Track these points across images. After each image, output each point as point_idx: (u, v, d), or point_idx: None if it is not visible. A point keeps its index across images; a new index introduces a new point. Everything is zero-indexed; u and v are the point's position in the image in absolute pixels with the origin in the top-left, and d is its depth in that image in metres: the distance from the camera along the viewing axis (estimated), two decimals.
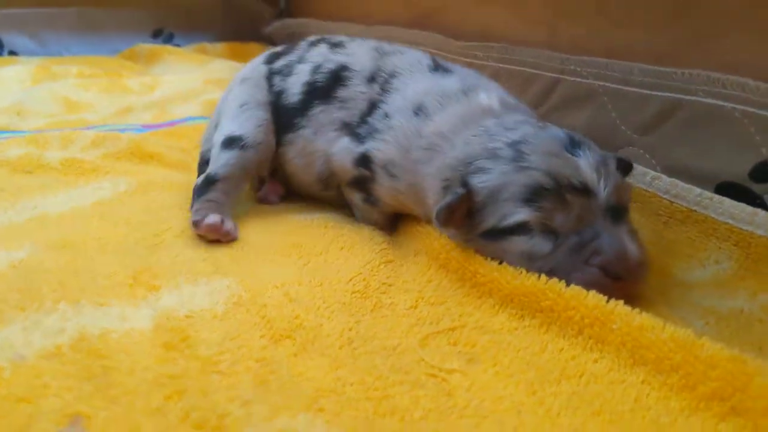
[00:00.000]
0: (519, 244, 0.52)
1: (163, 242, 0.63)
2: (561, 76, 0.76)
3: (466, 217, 0.54)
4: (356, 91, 0.67)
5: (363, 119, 0.66)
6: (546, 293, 0.49)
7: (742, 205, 0.56)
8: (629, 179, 0.64)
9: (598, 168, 0.51)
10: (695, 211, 0.59)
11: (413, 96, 0.64)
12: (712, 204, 0.58)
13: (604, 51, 0.72)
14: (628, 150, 0.69)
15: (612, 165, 0.53)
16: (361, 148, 0.65)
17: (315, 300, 0.52)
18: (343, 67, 0.69)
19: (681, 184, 0.61)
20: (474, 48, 0.92)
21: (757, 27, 0.57)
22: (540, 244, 0.51)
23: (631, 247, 0.49)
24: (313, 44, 0.75)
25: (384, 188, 0.64)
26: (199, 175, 0.74)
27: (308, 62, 0.72)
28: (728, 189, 0.60)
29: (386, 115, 0.64)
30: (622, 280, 0.49)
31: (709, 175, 0.61)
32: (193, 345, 0.46)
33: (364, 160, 0.65)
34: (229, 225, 0.65)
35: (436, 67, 0.67)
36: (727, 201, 0.57)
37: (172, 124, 1.12)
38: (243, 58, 1.57)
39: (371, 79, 0.67)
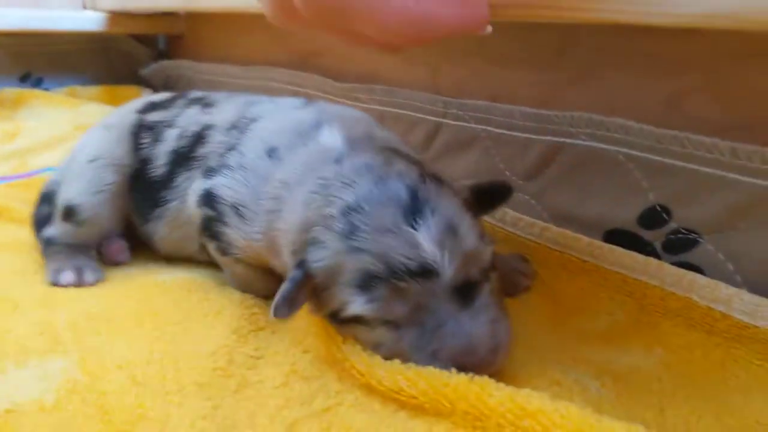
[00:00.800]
0: (362, 333, 0.46)
1: None
2: (443, 120, 0.72)
3: (313, 295, 0.47)
4: (215, 142, 0.61)
5: (219, 159, 0.59)
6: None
7: (634, 254, 0.53)
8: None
9: (442, 240, 0.43)
10: (587, 261, 0.56)
11: (269, 136, 0.57)
12: (602, 253, 0.55)
13: (487, 93, 0.69)
14: (514, 196, 0.65)
15: (464, 227, 0.45)
16: (206, 184, 0.58)
17: (166, 382, 0.44)
18: (206, 127, 0.62)
19: (570, 234, 0.58)
20: (357, 90, 0.87)
21: (633, 65, 0.55)
22: (382, 336, 0.45)
23: (479, 334, 0.43)
24: (190, 104, 0.67)
25: (235, 231, 0.56)
26: (36, 210, 0.71)
27: (177, 127, 0.65)
28: (618, 236, 0.57)
29: (241, 154, 0.57)
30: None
31: (596, 221, 0.58)
32: None
33: (207, 198, 0.57)
34: (89, 277, 0.63)
35: (304, 105, 0.62)
36: (619, 250, 0.54)
37: (29, 175, 1.02)
38: (118, 101, 1.46)
39: (232, 127, 0.61)
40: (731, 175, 0.47)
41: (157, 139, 0.65)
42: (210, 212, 0.57)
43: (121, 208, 0.67)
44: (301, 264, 0.46)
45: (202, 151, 0.61)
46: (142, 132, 0.66)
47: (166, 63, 1.49)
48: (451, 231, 0.44)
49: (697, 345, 0.48)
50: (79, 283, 0.62)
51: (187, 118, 0.65)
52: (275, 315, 0.44)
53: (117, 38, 1.63)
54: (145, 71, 1.55)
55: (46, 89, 1.56)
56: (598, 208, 0.58)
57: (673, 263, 0.51)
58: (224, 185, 0.56)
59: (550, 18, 0.43)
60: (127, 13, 1.44)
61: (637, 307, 0.53)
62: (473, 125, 0.69)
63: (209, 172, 0.58)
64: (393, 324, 0.44)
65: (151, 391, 0.43)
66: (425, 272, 0.42)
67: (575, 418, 0.37)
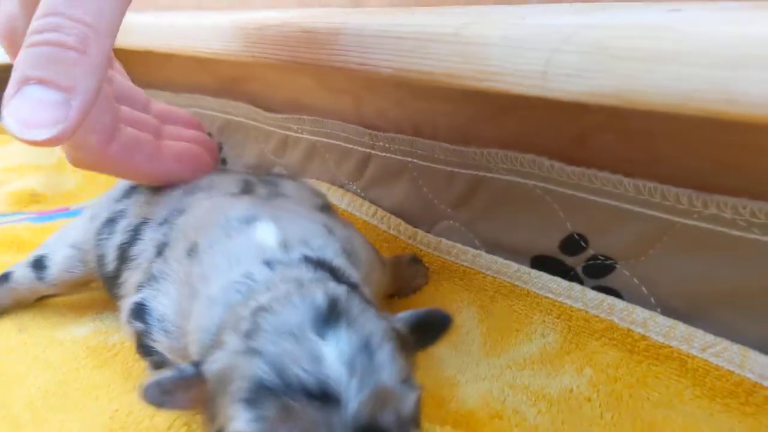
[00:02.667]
0: None
1: None
2: (372, 152, 0.75)
3: (205, 406, 0.38)
4: (146, 239, 0.55)
5: (149, 270, 0.52)
6: None
7: (558, 280, 0.57)
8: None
9: (352, 362, 0.33)
10: (517, 285, 0.60)
11: (192, 232, 0.50)
12: (530, 279, 0.59)
13: (409, 123, 0.72)
14: (444, 224, 0.69)
15: (383, 354, 0.35)
16: (134, 298, 0.50)
17: None
18: (144, 221, 0.57)
19: (500, 260, 0.62)
20: (288, 120, 0.89)
21: (545, 104, 0.58)
22: None
23: None
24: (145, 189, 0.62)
25: (163, 345, 0.48)
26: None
27: (127, 217, 0.60)
28: (543, 261, 0.61)
29: (166, 260, 0.50)
30: None
31: (524, 247, 0.62)
32: None
33: (137, 312, 0.49)
34: None
35: (243, 190, 0.57)
36: (545, 275, 0.58)
37: None
38: None
39: (164, 221, 0.55)
40: (636, 209, 0.51)
41: (111, 231, 0.60)
42: (140, 325, 0.49)
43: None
44: (197, 363, 0.38)
45: (135, 250, 0.55)
46: (105, 226, 0.61)
47: None
48: (366, 354, 0.34)
49: (621, 363, 0.52)
50: None
51: (136, 208, 0.60)
52: (142, 396, 0.37)
53: None
54: None
55: None
56: (524, 235, 0.62)
57: (595, 287, 0.56)
58: (153, 297, 0.49)
59: (448, 85, 0.46)
60: None
61: (566, 328, 0.57)
62: (400, 157, 0.71)
63: (139, 289, 0.51)
64: None
65: None
66: (324, 396, 0.32)
67: None
